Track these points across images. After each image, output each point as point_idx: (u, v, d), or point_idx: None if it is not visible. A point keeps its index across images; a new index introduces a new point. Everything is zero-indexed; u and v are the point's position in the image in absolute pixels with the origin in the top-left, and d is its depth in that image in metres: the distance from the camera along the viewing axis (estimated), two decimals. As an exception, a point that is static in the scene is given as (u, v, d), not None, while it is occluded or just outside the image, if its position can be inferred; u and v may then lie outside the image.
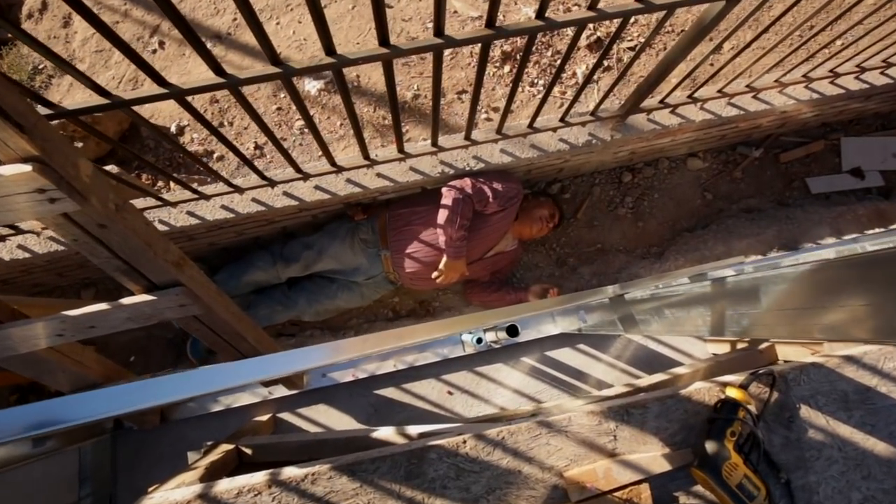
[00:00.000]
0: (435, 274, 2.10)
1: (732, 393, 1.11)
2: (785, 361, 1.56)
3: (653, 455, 1.11)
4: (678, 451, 1.12)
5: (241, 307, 2.32)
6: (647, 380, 1.37)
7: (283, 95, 2.84)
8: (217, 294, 1.32)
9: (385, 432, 1.25)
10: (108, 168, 2.60)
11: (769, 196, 2.55)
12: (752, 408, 1.11)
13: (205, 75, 3.09)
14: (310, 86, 2.84)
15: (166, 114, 2.90)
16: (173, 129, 2.84)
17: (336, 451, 1.34)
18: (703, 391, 1.16)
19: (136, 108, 2.83)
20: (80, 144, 2.73)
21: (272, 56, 1.25)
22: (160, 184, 2.78)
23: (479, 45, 1.33)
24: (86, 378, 1.45)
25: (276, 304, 2.30)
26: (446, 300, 2.41)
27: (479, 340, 1.56)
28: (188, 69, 2.97)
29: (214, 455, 1.37)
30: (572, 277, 2.41)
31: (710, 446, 1.07)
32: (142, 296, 1.18)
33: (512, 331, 1.56)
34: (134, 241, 1.05)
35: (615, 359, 1.86)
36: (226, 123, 2.84)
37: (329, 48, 1.25)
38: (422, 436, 1.20)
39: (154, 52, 3.02)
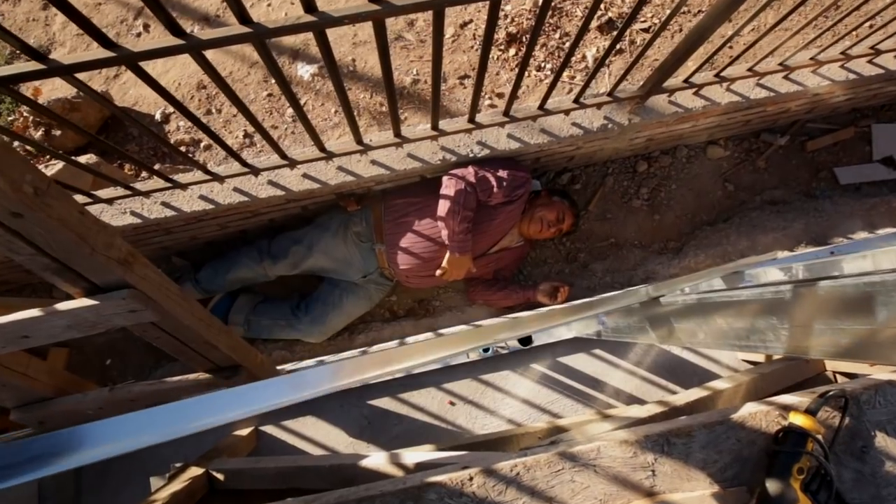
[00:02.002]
0: (439, 271, 1.88)
1: (799, 420, 0.88)
2: (838, 374, 1.34)
3: (700, 495, 0.89)
4: (730, 490, 0.90)
5: (248, 309, 2.10)
6: (682, 397, 1.16)
7: (273, 81, 2.62)
8: (178, 297, 1.09)
9: (376, 461, 1.03)
10: (87, 157, 2.39)
11: (795, 187, 2.32)
12: (821, 438, 0.89)
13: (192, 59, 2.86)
14: (302, 70, 2.62)
15: (150, 101, 2.68)
16: (158, 116, 2.63)
17: (319, 479, 1.12)
18: (759, 416, 0.93)
19: (117, 98, 2.53)
20: (58, 133, 2.52)
21: (241, 14, 1.03)
22: (143, 174, 2.57)
23: (487, 4, 1.11)
24: (33, 392, 1.23)
25: (280, 319, 2.07)
26: (447, 299, 2.19)
27: (486, 348, 1.35)
28: (174, 53, 2.74)
29: (180, 482, 1.16)
30: (583, 275, 2.18)
31: (772, 486, 0.85)
32: (81, 300, 0.96)
33: (525, 339, 1.33)
34: (62, 233, 0.83)
35: (635, 365, 1.64)
36: (213, 111, 2.62)
37: (309, 5, 1.02)
38: (419, 467, 0.99)
39: (139, 35, 2.80)
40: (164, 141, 1.47)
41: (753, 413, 0.94)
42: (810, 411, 0.90)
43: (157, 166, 2.49)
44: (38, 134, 2.50)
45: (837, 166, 2.33)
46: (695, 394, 1.15)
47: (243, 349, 1.32)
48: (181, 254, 2.16)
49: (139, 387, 1.27)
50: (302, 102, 2.62)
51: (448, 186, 1.76)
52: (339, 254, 1.98)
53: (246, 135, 2.56)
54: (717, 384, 1.20)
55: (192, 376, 1.29)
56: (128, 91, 2.74)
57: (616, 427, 0.99)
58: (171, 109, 2.67)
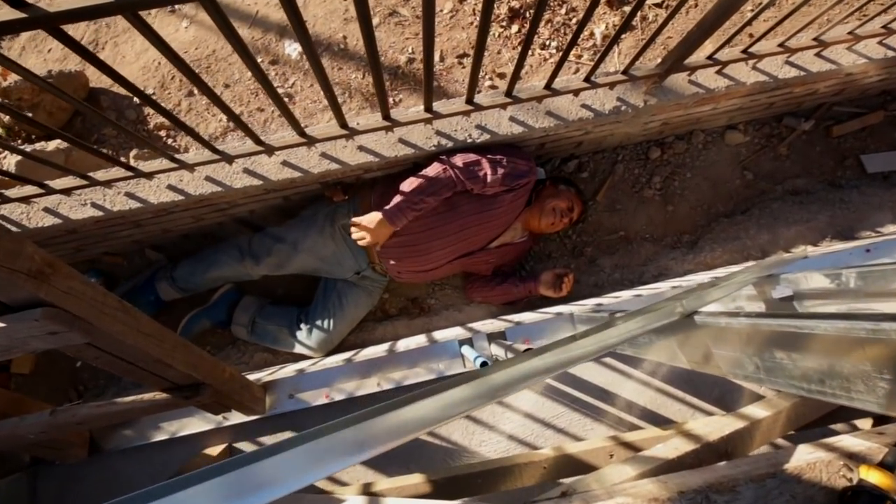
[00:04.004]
0: (355, 220, 1.61)
1: (873, 478, 0.69)
2: None
3: (747, 567, 0.70)
4: (785, 561, 0.71)
5: (255, 309, 1.89)
6: (715, 427, 0.97)
7: (259, 60, 2.39)
8: (118, 311, 0.90)
9: (352, 508, 0.85)
10: (57, 142, 2.18)
11: (818, 176, 2.10)
12: (900, 497, 0.70)
13: (172, 36, 2.63)
14: (290, 49, 2.39)
15: (130, 79, 2.45)
16: (136, 98, 2.40)
17: (287, 525, 0.94)
18: (818, 467, 0.74)
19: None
20: (29, 115, 2.30)
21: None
22: (121, 159, 2.36)
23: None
24: (-37, 416, 1.05)
25: (285, 326, 1.87)
26: (443, 297, 1.99)
27: (484, 363, 1.16)
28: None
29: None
30: (590, 270, 1.98)
31: (841, 562, 0.67)
32: (-14, 321, 0.76)
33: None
34: (-60, 243, 0.63)
35: (649, 375, 1.45)
36: (195, 92, 2.40)
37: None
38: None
39: (116, 11, 2.55)
40: (120, 126, 1.27)
41: (812, 463, 0.74)
42: (886, 466, 0.71)
43: (134, 152, 2.28)
44: (7, 117, 2.29)
45: (864, 153, 2.11)
46: (729, 424, 0.96)
47: (207, 364, 1.12)
48: (156, 247, 1.96)
49: (86, 409, 1.08)
50: (290, 83, 2.40)
51: (430, 168, 1.56)
52: (328, 251, 1.77)
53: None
54: (753, 411, 1.02)
55: (146, 396, 1.10)
56: (105, 70, 2.51)
57: (639, 473, 0.81)
58: (150, 90, 2.45)
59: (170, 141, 2.36)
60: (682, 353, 0.90)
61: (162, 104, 2.40)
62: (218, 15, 0.87)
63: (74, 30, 2.57)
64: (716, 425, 0.97)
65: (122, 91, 2.44)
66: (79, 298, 0.82)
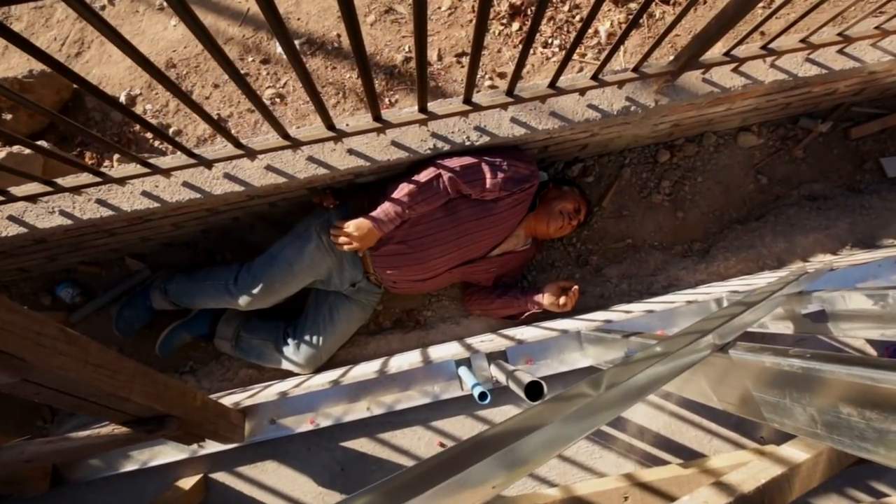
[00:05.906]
0: (339, 224, 1.50)
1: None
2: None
3: None
4: None
5: (239, 322, 1.77)
6: (747, 476, 0.83)
7: (250, 59, 2.27)
8: (59, 340, 0.76)
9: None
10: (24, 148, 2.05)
11: (836, 180, 1.96)
12: None
13: (161, 34, 2.50)
14: (281, 48, 2.26)
15: (115, 81, 2.33)
16: (123, 98, 2.28)
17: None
18: (885, 538, 0.60)
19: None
20: (8, 116, 2.17)
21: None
22: (106, 163, 2.24)
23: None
24: None
25: (270, 340, 1.73)
26: (440, 309, 1.85)
27: (484, 396, 1.02)
28: (142, 28, 2.39)
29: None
30: (596, 280, 1.84)
31: None
32: None
33: (534, 392, 0.97)
34: None
35: (663, 398, 1.32)
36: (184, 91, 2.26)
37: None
38: None
39: (103, 8, 2.44)
40: (85, 130, 1.14)
41: (877, 532, 0.61)
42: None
43: (116, 156, 2.15)
44: (-17, 119, 2.16)
45: (885, 156, 1.97)
46: (763, 470, 0.82)
47: (173, 394, 0.99)
48: (137, 255, 1.83)
49: (34, 446, 0.94)
50: (282, 83, 2.27)
51: (423, 173, 1.45)
52: (326, 265, 1.63)
53: (219, 118, 2.22)
54: (790, 453, 0.88)
55: (104, 431, 0.97)
56: (91, 70, 2.40)
57: (666, 537, 0.68)
58: (137, 90, 2.32)
59: (157, 143, 2.24)
60: (712, 392, 0.77)
61: (147, 106, 2.28)
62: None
63: (59, 28, 2.45)
64: (748, 472, 0.83)
65: (108, 92, 2.32)
66: (4, 330, 0.68)
